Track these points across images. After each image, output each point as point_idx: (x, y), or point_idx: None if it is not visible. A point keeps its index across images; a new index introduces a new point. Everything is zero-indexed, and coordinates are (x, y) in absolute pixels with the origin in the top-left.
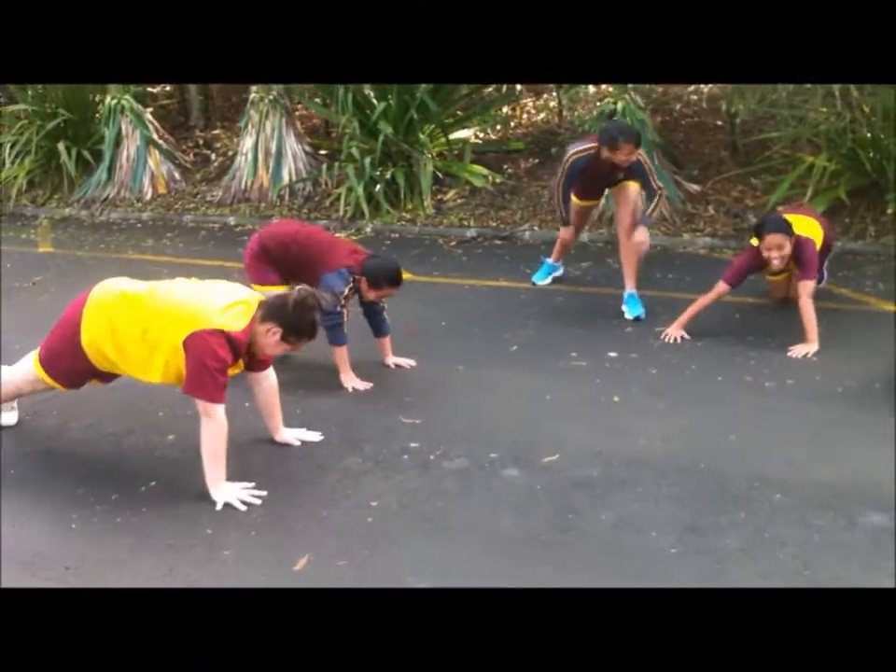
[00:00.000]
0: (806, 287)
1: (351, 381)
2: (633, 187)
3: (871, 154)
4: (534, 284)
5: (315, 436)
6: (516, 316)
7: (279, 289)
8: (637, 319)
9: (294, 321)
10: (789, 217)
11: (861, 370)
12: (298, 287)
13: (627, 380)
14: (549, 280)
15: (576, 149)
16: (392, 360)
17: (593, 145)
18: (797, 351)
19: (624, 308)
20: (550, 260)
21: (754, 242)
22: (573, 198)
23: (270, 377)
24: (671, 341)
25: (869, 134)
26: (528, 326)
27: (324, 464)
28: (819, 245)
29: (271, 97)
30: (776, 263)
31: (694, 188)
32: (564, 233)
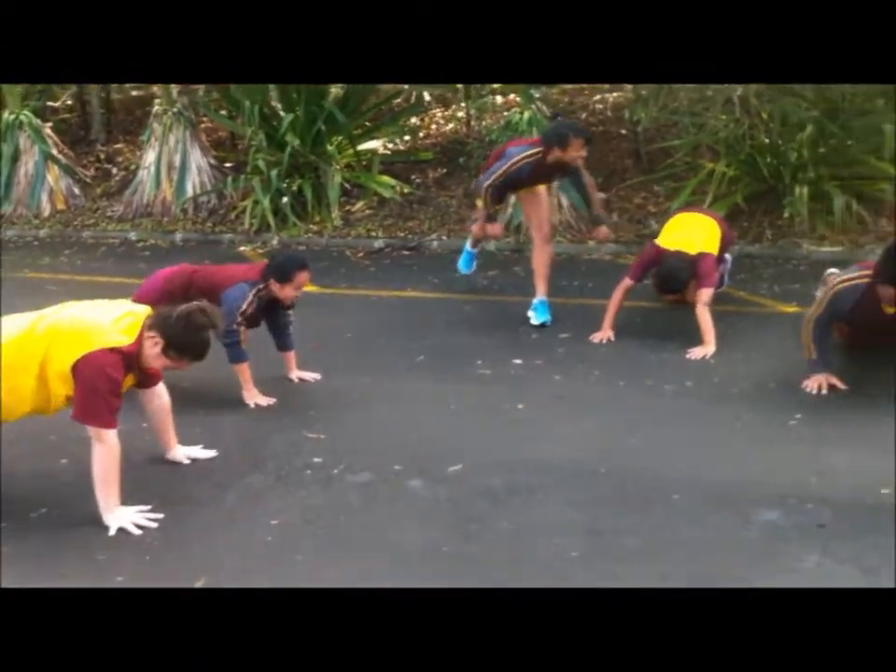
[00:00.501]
0: (703, 295)
1: (253, 397)
2: (542, 191)
3: (768, 160)
4: (459, 272)
5: (208, 453)
6: (423, 326)
7: None
8: (542, 325)
9: (176, 335)
10: (687, 216)
11: (757, 371)
12: (191, 303)
13: (532, 387)
14: (472, 268)
15: (522, 154)
16: (296, 374)
17: (538, 149)
18: (695, 353)
19: (531, 314)
20: (468, 245)
21: (657, 241)
22: (500, 237)
23: (161, 395)
24: (605, 341)
25: (767, 140)
26: (435, 335)
27: (224, 482)
28: (717, 245)
29: (174, 110)
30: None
31: (600, 195)
32: (490, 229)
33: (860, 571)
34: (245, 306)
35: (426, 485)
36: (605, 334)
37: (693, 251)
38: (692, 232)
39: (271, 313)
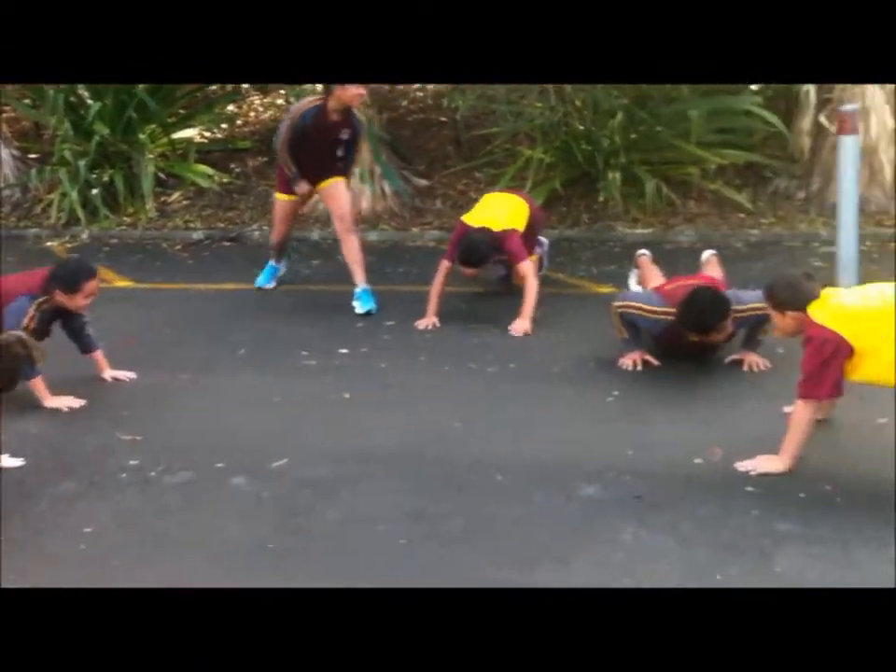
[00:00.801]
0: (528, 269)
1: (57, 402)
2: (341, 182)
3: (583, 146)
4: (259, 289)
5: (15, 462)
6: (245, 319)
7: None
8: (368, 314)
9: None
10: (495, 195)
11: (576, 350)
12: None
13: (358, 375)
14: (273, 284)
15: (299, 104)
16: (109, 374)
17: (319, 97)
18: (515, 328)
19: (355, 303)
20: (272, 262)
21: (463, 218)
22: (277, 196)
23: None
24: (430, 327)
25: (581, 127)
26: (258, 328)
27: (32, 491)
28: (523, 223)
29: None
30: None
31: (422, 182)
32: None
33: (674, 539)
34: (26, 321)
35: (249, 482)
36: (429, 320)
37: (497, 228)
38: (497, 210)
39: (62, 319)
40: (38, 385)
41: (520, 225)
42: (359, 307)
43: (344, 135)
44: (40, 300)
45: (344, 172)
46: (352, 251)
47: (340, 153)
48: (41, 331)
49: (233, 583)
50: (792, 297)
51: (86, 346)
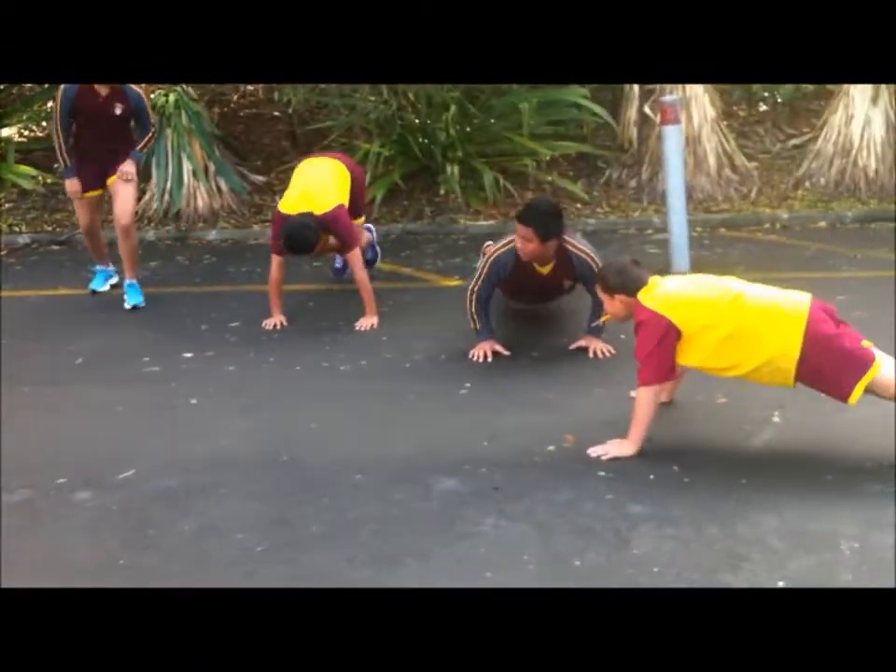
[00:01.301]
0: (353, 258)
1: None
2: (130, 184)
3: (420, 139)
4: (93, 292)
5: None
6: (81, 326)
7: None
8: (135, 308)
9: None
10: (309, 163)
11: (427, 344)
12: None
13: (205, 380)
14: (107, 287)
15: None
16: None
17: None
18: (362, 324)
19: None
20: (100, 267)
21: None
22: (80, 194)
23: None
24: (277, 326)
25: (416, 121)
26: (95, 335)
27: None
28: (347, 190)
29: None
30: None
31: (259, 178)
32: (83, 217)
33: (533, 527)
34: None
35: (94, 496)
36: (276, 319)
37: (319, 210)
38: (315, 186)
39: None
40: None
41: (343, 195)
42: (127, 301)
43: (118, 110)
44: None
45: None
46: (126, 248)
47: (117, 112)
48: None
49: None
50: (621, 281)
51: None
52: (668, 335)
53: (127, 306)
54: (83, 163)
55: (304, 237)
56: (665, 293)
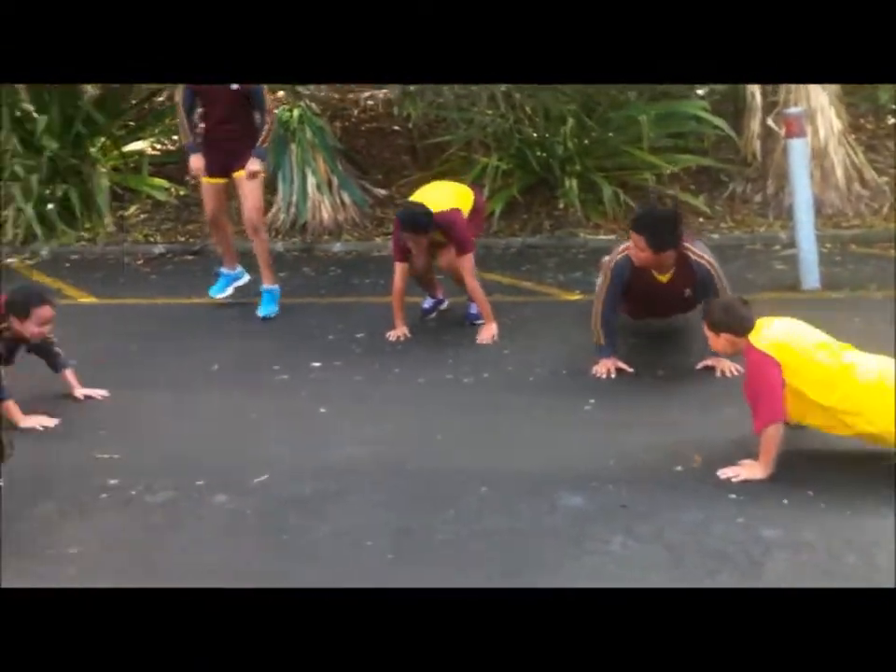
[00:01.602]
0: (466, 263)
1: (31, 421)
2: (257, 181)
3: (537, 153)
4: (212, 297)
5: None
6: (215, 333)
7: None
8: (265, 320)
9: None
10: (437, 183)
11: (549, 358)
12: None
13: (332, 389)
14: (229, 291)
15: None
16: (81, 392)
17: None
18: (483, 337)
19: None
20: (225, 269)
21: None
22: (204, 179)
23: None
24: (401, 338)
25: (534, 134)
26: (229, 343)
27: (13, 513)
28: (468, 207)
29: None
30: (416, 254)
31: (381, 192)
32: (208, 204)
33: (662, 548)
34: None
35: (231, 499)
36: (400, 331)
37: (436, 209)
38: (439, 193)
39: (26, 344)
40: (10, 407)
41: (464, 207)
42: (260, 309)
43: (234, 84)
44: (1, 326)
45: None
46: (262, 250)
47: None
48: (5, 359)
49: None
50: (728, 320)
51: (55, 365)
52: (779, 377)
53: (259, 314)
54: (208, 147)
55: (416, 214)
56: (777, 338)
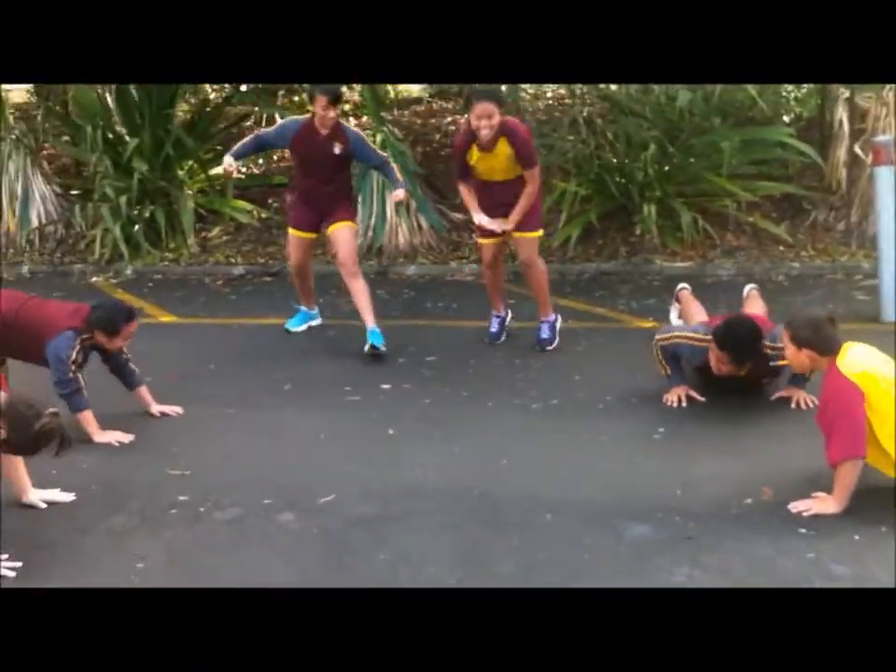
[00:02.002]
0: (535, 177)
1: (107, 437)
2: (349, 227)
3: (617, 179)
4: (287, 331)
5: (67, 497)
6: (288, 354)
7: None
8: (374, 349)
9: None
10: None
11: (619, 385)
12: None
13: (401, 411)
14: (304, 327)
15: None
16: (156, 409)
17: (306, 116)
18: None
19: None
20: (303, 308)
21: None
22: (290, 231)
23: None
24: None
25: (614, 160)
26: (301, 363)
27: (84, 526)
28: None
29: (13, 137)
30: (484, 133)
31: (458, 216)
32: (294, 254)
33: (729, 581)
34: (74, 355)
35: (297, 518)
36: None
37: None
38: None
39: (102, 354)
40: (88, 418)
41: None
42: (368, 342)
43: (337, 149)
44: (84, 335)
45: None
46: (360, 293)
47: (336, 150)
48: (79, 365)
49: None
50: (814, 337)
51: (130, 383)
52: (862, 408)
53: (365, 348)
54: (303, 204)
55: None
56: (864, 366)
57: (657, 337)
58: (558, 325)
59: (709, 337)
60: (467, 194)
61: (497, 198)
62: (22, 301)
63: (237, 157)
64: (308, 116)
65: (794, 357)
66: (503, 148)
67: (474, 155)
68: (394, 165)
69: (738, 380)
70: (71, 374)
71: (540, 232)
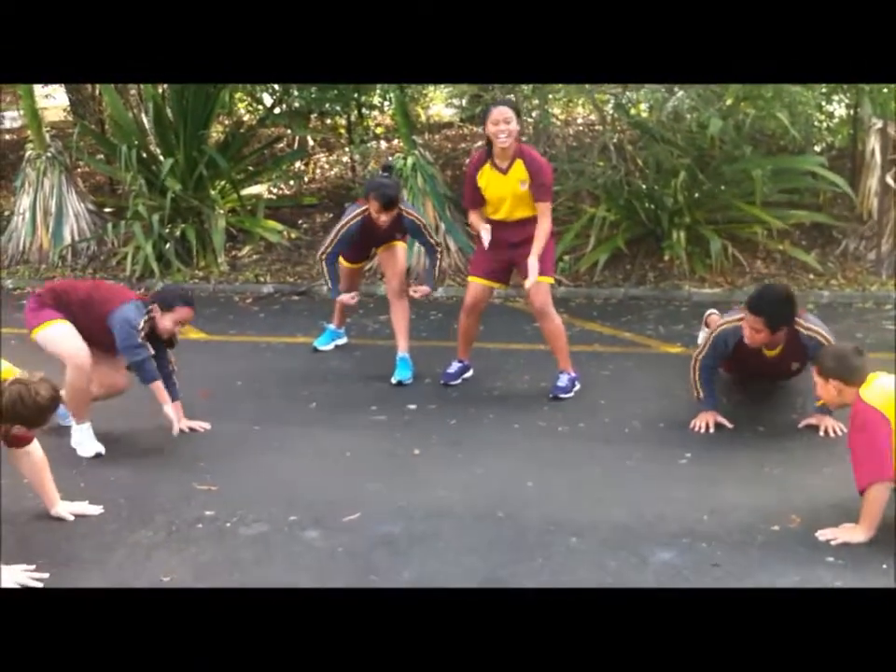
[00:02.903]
0: (546, 215)
1: (177, 414)
2: (399, 247)
3: (646, 205)
4: (315, 349)
5: (95, 510)
6: (315, 372)
7: (55, 324)
8: (399, 384)
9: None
10: None
11: (646, 410)
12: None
13: (427, 431)
14: (331, 346)
15: (347, 217)
16: (185, 423)
17: (364, 207)
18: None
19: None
20: (332, 326)
21: None
22: (342, 261)
23: (33, 452)
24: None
25: (643, 186)
26: (327, 381)
27: (111, 540)
28: None
29: (48, 154)
30: (502, 139)
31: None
32: (341, 298)
33: None
34: (142, 323)
35: (322, 536)
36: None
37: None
38: None
39: (153, 355)
40: (158, 389)
41: None
42: (395, 375)
43: (396, 235)
44: (149, 307)
45: (405, 236)
46: (395, 316)
47: (394, 234)
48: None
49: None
50: (839, 368)
51: (170, 395)
52: (888, 435)
53: (393, 381)
54: (357, 242)
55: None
56: (889, 394)
57: (695, 356)
58: (577, 385)
59: (740, 316)
60: (475, 216)
61: (506, 237)
62: (90, 282)
63: (337, 283)
64: (364, 211)
65: (823, 389)
66: (518, 172)
67: (485, 175)
68: (437, 260)
69: (769, 366)
70: (139, 341)
71: (553, 279)
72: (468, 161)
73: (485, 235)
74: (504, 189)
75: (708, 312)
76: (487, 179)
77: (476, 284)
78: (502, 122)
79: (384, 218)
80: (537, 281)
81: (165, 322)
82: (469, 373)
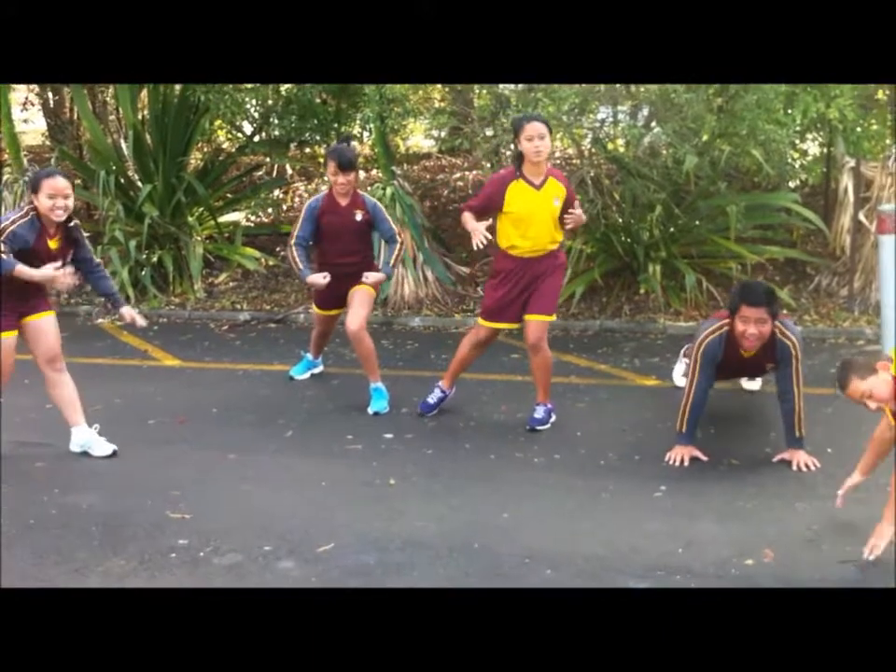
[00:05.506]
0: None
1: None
2: (363, 290)
3: (623, 238)
4: (291, 378)
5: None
6: (291, 400)
7: None
8: (376, 414)
9: None
10: None
11: (621, 442)
12: None
13: (403, 461)
14: (307, 375)
15: (310, 203)
16: (128, 313)
17: (324, 192)
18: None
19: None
20: (309, 356)
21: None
22: (315, 308)
23: None
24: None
25: (620, 220)
26: (303, 410)
27: (82, 567)
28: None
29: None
30: (538, 154)
31: (464, 270)
32: (312, 277)
33: None
34: (5, 224)
35: (296, 566)
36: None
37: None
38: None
39: (67, 247)
40: (22, 272)
41: None
42: (371, 406)
43: (358, 216)
44: (31, 204)
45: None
46: (363, 350)
47: (359, 217)
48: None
49: None
50: (862, 364)
51: (104, 289)
52: None
53: (370, 411)
54: (325, 287)
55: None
56: None
57: (687, 386)
58: (553, 417)
59: (722, 321)
60: (468, 216)
61: (528, 272)
62: None
63: (308, 267)
64: (327, 190)
65: (868, 389)
66: (553, 189)
67: (516, 190)
68: (396, 249)
69: (748, 366)
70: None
71: (553, 317)
72: (451, 191)
73: (479, 238)
74: (536, 204)
75: (686, 346)
76: (517, 194)
77: (487, 325)
78: (537, 138)
79: (341, 180)
80: (536, 319)
81: (42, 204)
82: (447, 399)
